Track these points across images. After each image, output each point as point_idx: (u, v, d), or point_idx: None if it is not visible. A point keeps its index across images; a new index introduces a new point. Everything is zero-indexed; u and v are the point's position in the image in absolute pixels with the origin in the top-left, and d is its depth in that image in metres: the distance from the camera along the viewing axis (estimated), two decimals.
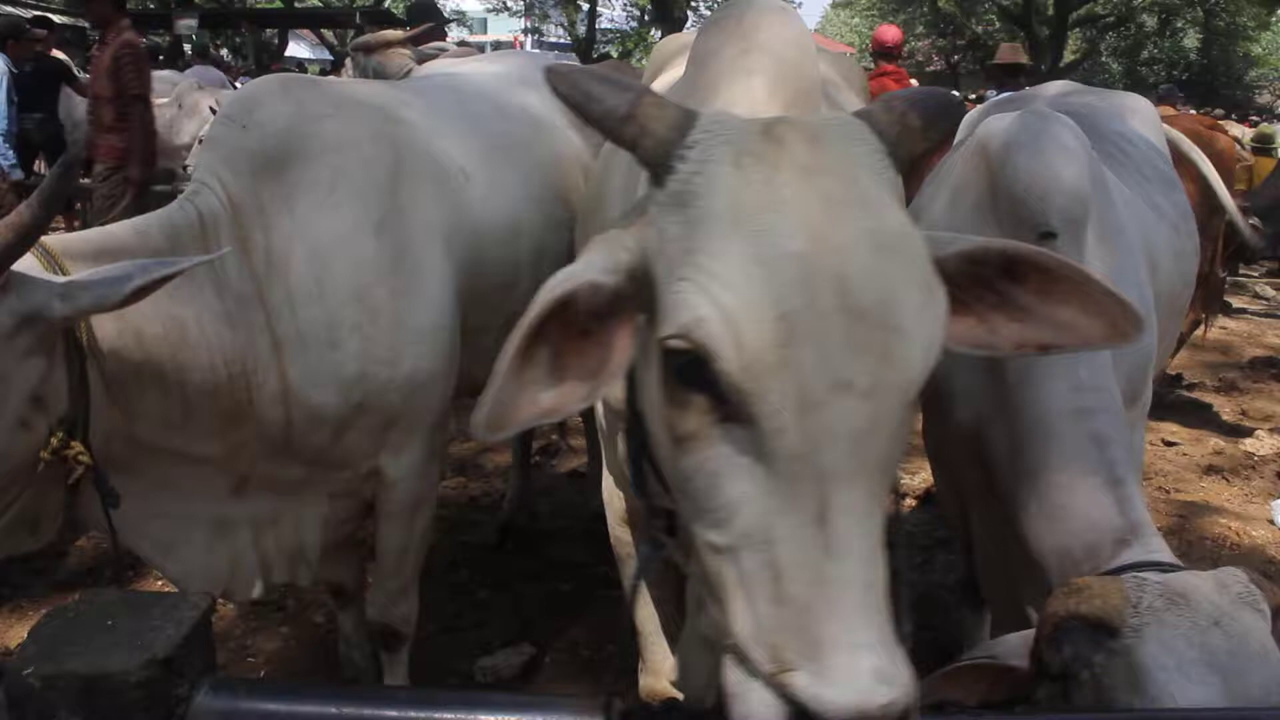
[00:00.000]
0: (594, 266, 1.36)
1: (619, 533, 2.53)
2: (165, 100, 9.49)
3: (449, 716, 1.18)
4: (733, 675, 1.27)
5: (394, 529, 2.88)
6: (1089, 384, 2.30)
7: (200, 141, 8.19)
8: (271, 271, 2.47)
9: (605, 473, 2.46)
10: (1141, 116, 3.71)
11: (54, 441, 2.05)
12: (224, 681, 1.22)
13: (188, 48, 17.54)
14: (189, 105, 8.95)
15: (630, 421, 1.54)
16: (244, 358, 2.41)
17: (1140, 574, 1.88)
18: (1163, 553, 2.01)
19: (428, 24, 7.11)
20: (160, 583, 4.00)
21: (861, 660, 1.19)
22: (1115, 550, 2.04)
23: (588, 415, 4.91)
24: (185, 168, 8.36)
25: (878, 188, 1.33)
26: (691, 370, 1.26)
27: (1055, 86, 4.12)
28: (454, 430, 3.12)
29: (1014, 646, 1.97)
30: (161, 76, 11.00)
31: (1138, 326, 1.45)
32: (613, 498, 2.46)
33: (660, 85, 2.80)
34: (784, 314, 1.20)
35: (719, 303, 1.21)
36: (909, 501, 5.29)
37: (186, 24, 18.83)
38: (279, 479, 2.64)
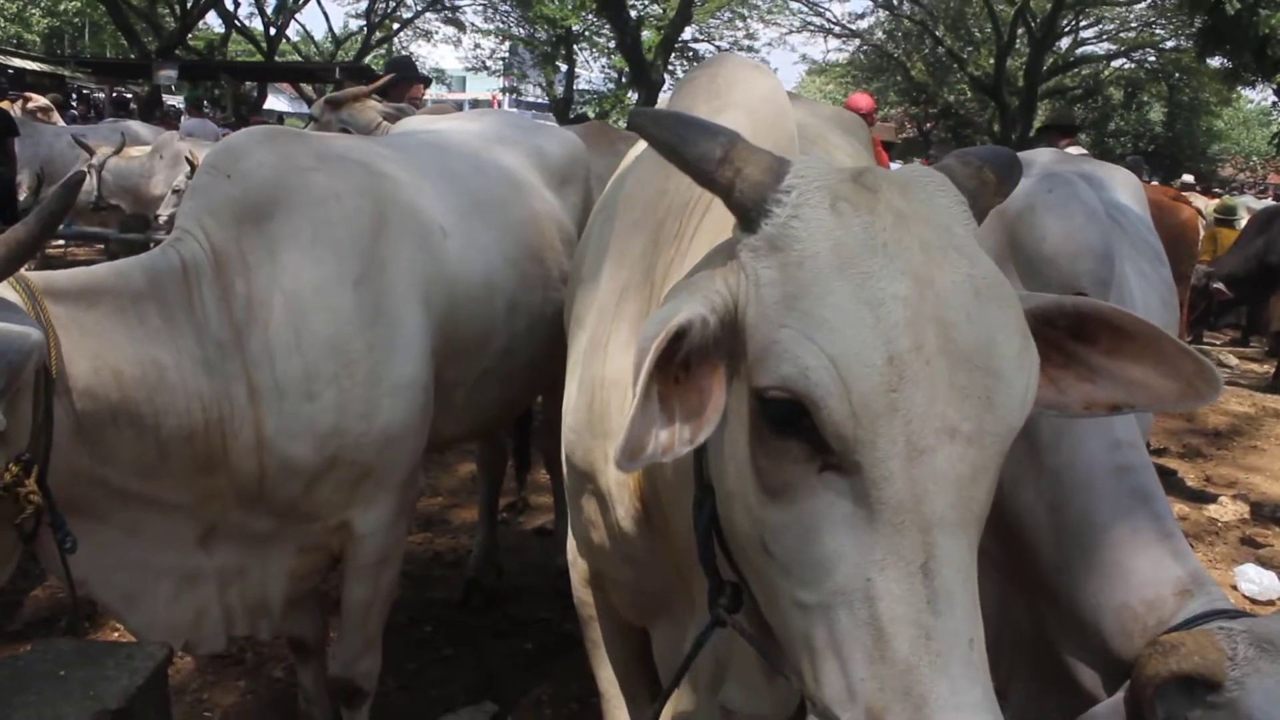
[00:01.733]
0: (701, 302, 1.33)
1: (582, 594, 2.50)
2: (145, 149, 9.52)
3: None
4: None
5: (360, 583, 2.87)
6: (1126, 440, 2.31)
7: (175, 192, 8.19)
8: (251, 321, 2.48)
9: (570, 534, 2.43)
10: (1125, 188, 3.79)
11: (6, 477, 2.03)
12: None
13: (174, 100, 17.59)
14: (169, 156, 8.95)
15: (700, 492, 1.51)
16: (221, 405, 2.42)
17: (1224, 624, 1.89)
18: (1224, 600, 2.02)
19: (391, 75, 7.16)
20: (117, 633, 3.94)
21: None
22: (1179, 602, 2.03)
23: (555, 472, 4.92)
24: (157, 217, 8.35)
25: (967, 236, 1.33)
26: (789, 419, 1.24)
27: (1047, 154, 4.21)
28: (422, 485, 3.11)
29: (1104, 718, 1.95)
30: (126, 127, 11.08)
31: (1215, 386, 1.43)
32: (577, 559, 2.43)
33: (637, 151, 2.84)
34: (892, 357, 1.18)
35: (826, 349, 1.19)
36: None
37: (166, 74, 18.91)
38: (248, 530, 2.63)
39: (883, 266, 1.23)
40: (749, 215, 1.33)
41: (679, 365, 1.32)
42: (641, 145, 2.83)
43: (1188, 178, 17.93)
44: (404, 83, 7.78)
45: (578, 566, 2.44)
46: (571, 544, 2.45)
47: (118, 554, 2.43)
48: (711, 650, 1.91)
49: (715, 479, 1.45)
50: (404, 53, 35.47)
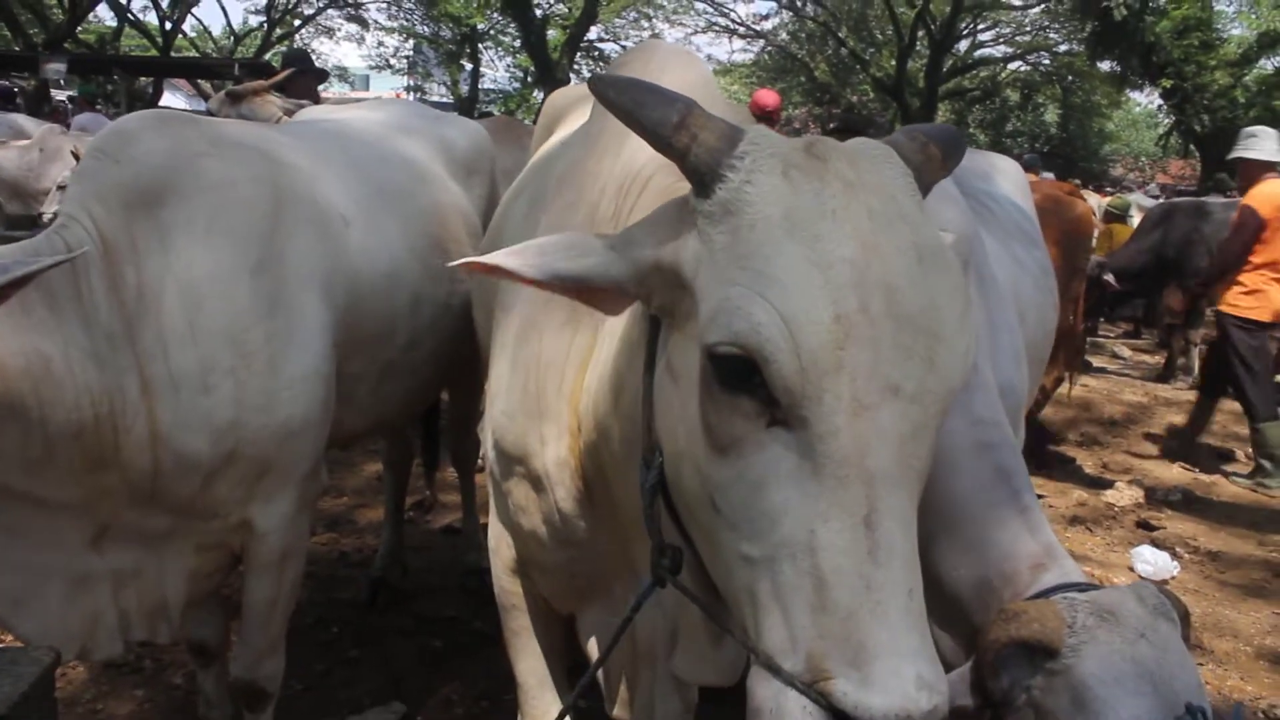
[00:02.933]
0: (606, 256, 1.43)
1: (506, 583, 2.47)
2: (25, 143, 9.16)
3: None
4: (764, 689, 1.27)
5: (262, 582, 2.78)
6: (987, 418, 2.36)
7: (60, 188, 7.90)
8: (143, 311, 2.38)
9: (493, 520, 2.42)
10: (1007, 176, 3.88)
11: None
12: None
13: (62, 95, 16.96)
14: (51, 149, 8.61)
15: (648, 454, 1.55)
16: (112, 398, 2.32)
17: (1068, 595, 1.94)
18: (1076, 574, 2.07)
19: (292, 69, 7.03)
20: (7, 637, 3.78)
21: (906, 667, 1.19)
22: (1033, 575, 2.08)
23: (463, 470, 4.87)
24: (42, 216, 8.04)
25: (913, 206, 1.38)
26: (739, 375, 1.27)
27: None
28: (326, 483, 3.04)
29: (954, 685, 2.00)
30: (9, 120, 10.67)
31: None
32: (500, 545, 2.40)
33: (562, 136, 2.82)
34: (839, 316, 1.23)
35: (777, 306, 1.24)
36: None
37: (54, 68, 18.23)
38: (143, 529, 2.53)
39: (832, 230, 1.28)
40: (703, 180, 1.37)
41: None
42: (568, 130, 2.82)
43: (1076, 181, 18.48)
44: (303, 76, 7.63)
45: (501, 554, 2.41)
46: (494, 531, 2.43)
47: (2, 556, 2.33)
48: (661, 619, 1.99)
49: (664, 440, 1.49)
50: (307, 49, 34.86)
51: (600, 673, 2.23)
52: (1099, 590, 1.97)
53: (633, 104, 1.42)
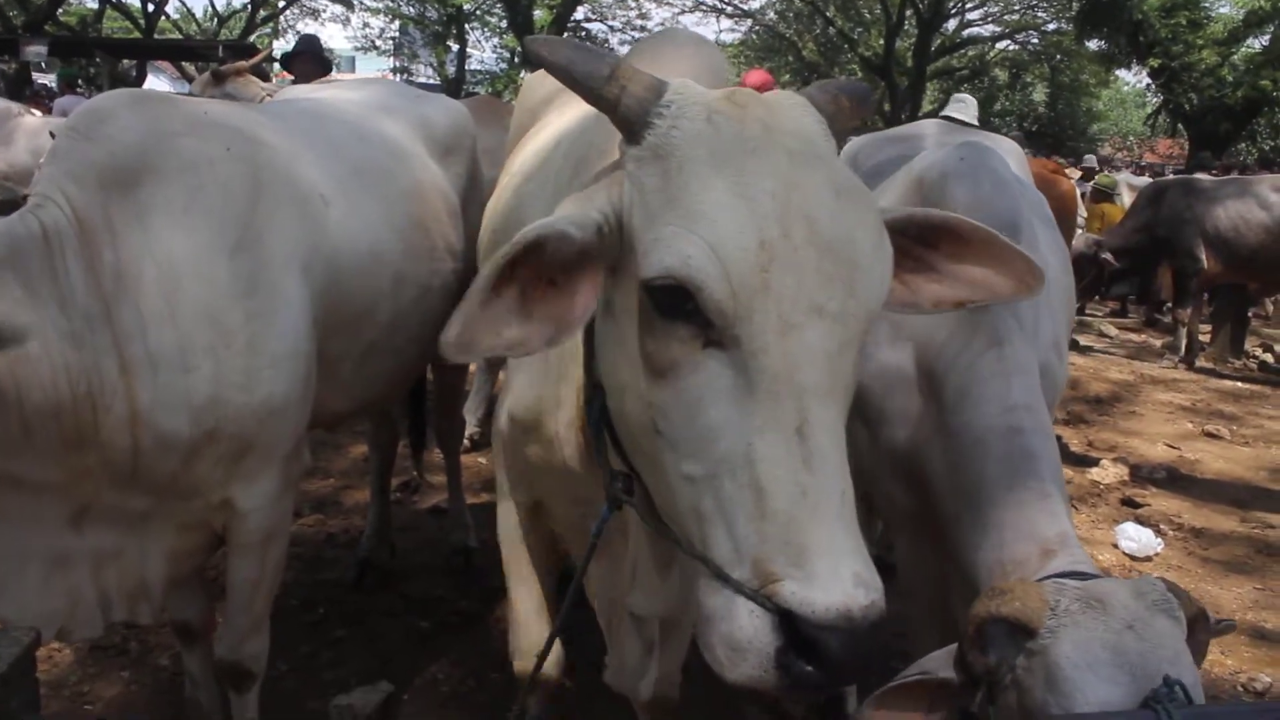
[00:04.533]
0: (566, 219, 1.48)
1: (512, 533, 2.63)
2: None
3: None
4: (714, 599, 1.34)
5: (245, 562, 2.78)
6: (1021, 403, 2.38)
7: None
8: (121, 291, 2.36)
9: (505, 473, 2.56)
10: (1012, 157, 3.87)
11: None
12: None
13: (45, 79, 16.81)
14: (4, 132, 8.43)
15: (590, 391, 1.66)
16: (90, 378, 2.30)
17: (1060, 579, 1.96)
18: (1086, 564, 2.09)
19: (264, 53, 7.00)
20: None
21: (844, 565, 1.28)
22: (1042, 561, 2.11)
23: (449, 450, 4.87)
24: (27, 198, 7.95)
25: (828, 149, 1.51)
26: (674, 304, 1.37)
27: (932, 125, 4.28)
28: (311, 464, 3.03)
29: (941, 660, 2.02)
30: None
31: (1040, 279, 1.63)
32: (512, 494, 2.55)
33: (563, 118, 2.83)
34: (764, 242, 1.33)
35: (705, 237, 1.34)
36: None
37: (35, 50, 18.09)
38: (124, 509, 2.52)
39: (754, 166, 1.39)
40: (633, 128, 1.49)
41: (556, 270, 1.48)
42: (564, 113, 2.83)
43: (1090, 158, 18.43)
44: (302, 60, 7.57)
45: (513, 502, 2.55)
46: (504, 482, 2.58)
47: None
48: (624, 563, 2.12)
49: (607, 376, 1.60)
50: (291, 31, 34.68)
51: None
52: (1098, 579, 1.98)
53: (566, 61, 1.52)
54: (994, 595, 1.94)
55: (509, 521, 2.62)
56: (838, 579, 1.26)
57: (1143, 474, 6.74)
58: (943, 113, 8.13)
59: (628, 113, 1.49)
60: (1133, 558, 5.30)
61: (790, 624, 1.27)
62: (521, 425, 2.30)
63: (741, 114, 1.46)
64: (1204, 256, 10.10)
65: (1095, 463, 6.81)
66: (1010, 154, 3.89)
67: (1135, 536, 5.46)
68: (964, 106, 8.32)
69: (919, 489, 2.62)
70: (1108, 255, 10.09)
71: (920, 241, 1.64)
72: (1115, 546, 5.40)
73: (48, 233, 2.30)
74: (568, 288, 1.49)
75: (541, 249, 1.45)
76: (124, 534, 2.57)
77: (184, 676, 3.27)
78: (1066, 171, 12.95)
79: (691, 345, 1.38)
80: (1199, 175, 12.97)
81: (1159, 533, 5.64)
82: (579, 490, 2.19)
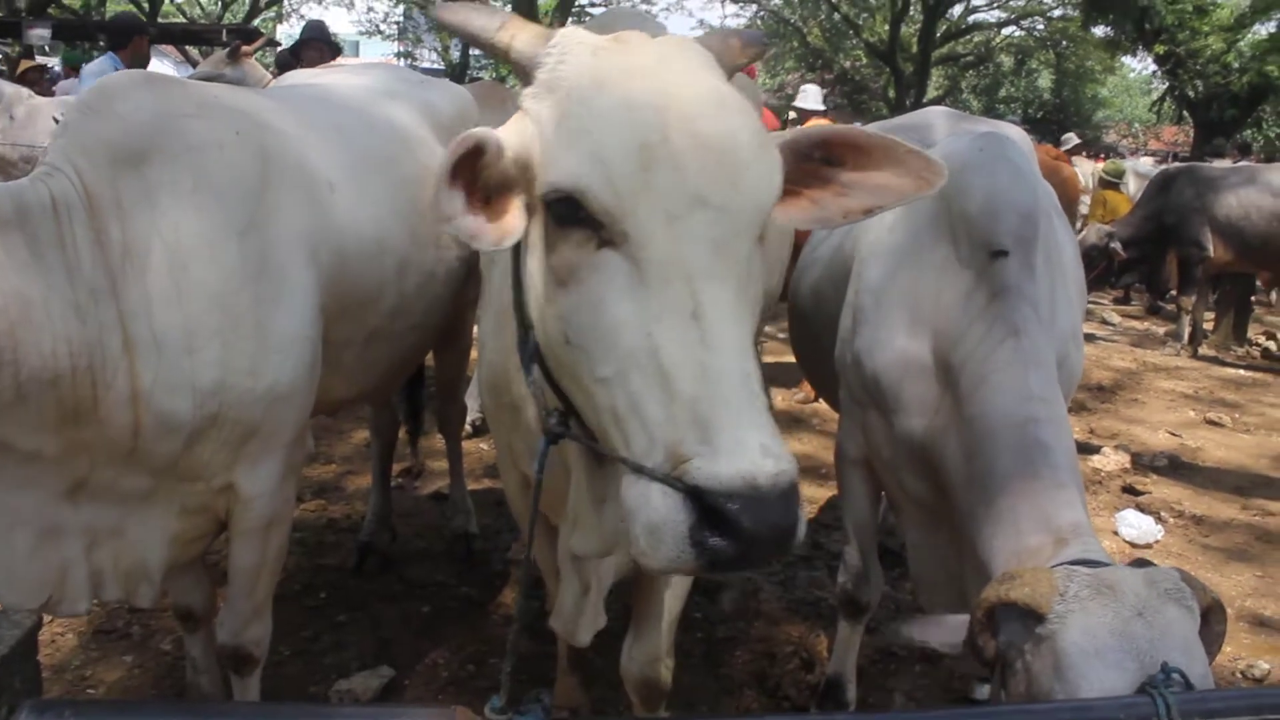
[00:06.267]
0: (492, 134, 1.59)
1: (519, 504, 2.70)
2: None
3: None
4: (631, 492, 1.41)
5: (247, 547, 2.78)
6: (1037, 394, 2.40)
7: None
8: (128, 268, 2.36)
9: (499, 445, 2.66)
10: (1022, 145, 3.87)
11: None
12: (48, 703, 1.17)
13: (49, 61, 16.74)
14: (21, 116, 8.40)
15: (522, 331, 1.75)
16: (92, 351, 2.29)
17: (1072, 566, 1.97)
18: (1099, 552, 2.10)
19: (265, 38, 7.08)
20: None
21: (749, 437, 1.33)
22: (1055, 550, 2.12)
23: (449, 435, 4.88)
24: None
25: (712, 73, 1.61)
26: (569, 213, 1.47)
27: (940, 113, 4.27)
28: (313, 450, 3.04)
29: (954, 626, 2.07)
30: None
31: (939, 173, 1.72)
32: (509, 470, 2.64)
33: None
34: (644, 144, 1.43)
35: (587, 147, 1.45)
36: None
37: (39, 34, 18.00)
38: (123, 487, 2.51)
39: (637, 85, 1.50)
40: (526, 69, 1.62)
41: (491, 189, 1.60)
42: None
43: (1070, 137, 18.21)
44: (313, 47, 7.58)
45: (511, 475, 2.64)
46: (502, 459, 2.68)
47: None
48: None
49: (531, 309, 1.68)
50: (295, 15, 34.56)
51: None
52: (1110, 567, 1.99)
53: (463, 18, 1.69)
54: (1004, 580, 1.96)
55: (510, 493, 2.72)
56: (742, 448, 1.32)
57: (1144, 461, 6.74)
58: (793, 104, 9.34)
59: (519, 56, 1.62)
60: (1133, 545, 5.31)
61: (700, 500, 1.31)
62: (491, 392, 2.42)
63: (626, 48, 1.60)
64: (1210, 244, 10.06)
65: (1097, 450, 6.80)
66: (1018, 142, 3.89)
67: (1135, 524, 5.47)
68: (806, 96, 9.51)
69: (934, 478, 2.63)
70: (1117, 246, 10.08)
71: (827, 162, 1.73)
72: (1116, 534, 5.41)
73: (56, 202, 2.30)
74: (499, 207, 1.61)
75: (482, 153, 1.56)
76: (123, 513, 2.56)
77: (186, 661, 3.29)
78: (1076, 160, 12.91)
79: (587, 248, 1.47)
80: (1210, 162, 12.94)
81: (1159, 520, 5.65)
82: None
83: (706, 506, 1.31)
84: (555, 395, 1.71)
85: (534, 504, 1.85)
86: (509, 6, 31.24)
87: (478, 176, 1.59)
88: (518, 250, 1.71)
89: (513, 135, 1.60)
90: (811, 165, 1.72)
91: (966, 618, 2.04)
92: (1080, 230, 10.42)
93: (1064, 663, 1.82)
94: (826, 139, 1.72)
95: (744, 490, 1.30)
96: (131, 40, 8.10)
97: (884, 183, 1.72)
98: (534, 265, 1.63)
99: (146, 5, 31.83)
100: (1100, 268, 9.96)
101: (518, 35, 1.64)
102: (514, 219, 1.60)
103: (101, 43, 21.48)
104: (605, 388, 1.46)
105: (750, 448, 1.32)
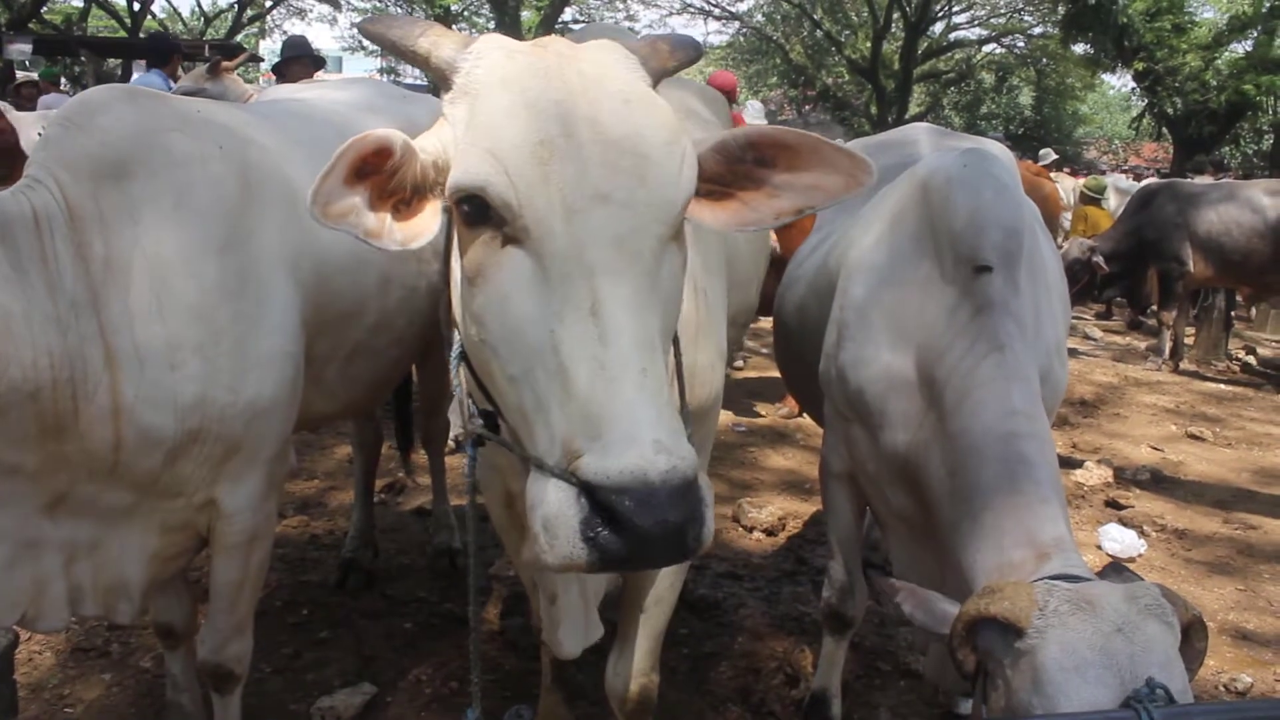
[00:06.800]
0: (400, 135, 1.60)
1: (500, 521, 2.70)
2: None
3: None
4: (533, 488, 1.42)
5: (229, 563, 2.76)
6: (1020, 409, 2.40)
7: None
8: (110, 282, 2.36)
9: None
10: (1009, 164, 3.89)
11: None
12: None
13: (26, 74, 16.67)
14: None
15: (446, 330, 1.78)
16: (73, 364, 2.28)
17: (1053, 581, 1.96)
18: (1081, 568, 2.10)
19: (248, 53, 7.14)
20: None
21: (641, 432, 1.33)
22: (1037, 565, 2.12)
23: (433, 451, 4.86)
24: None
25: (630, 72, 1.62)
26: (476, 213, 1.49)
27: (924, 129, 4.29)
28: (296, 466, 3.02)
29: (940, 617, 2.07)
30: None
31: (868, 171, 1.69)
32: (489, 481, 2.62)
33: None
34: (543, 140, 1.45)
35: (486, 144, 1.47)
36: (756, 535, 5.35)
37: (19, 49, 17.93)
38: (103, 503, 2.50)
39: (542, 84, 1.51)
40: (445, 76, 1.63)
41: (409, 193, 1.62)
42: None
43: (1047, 152, 18.33)
44: (299, 63, 7.58)
45: (494, 489, 2.62)
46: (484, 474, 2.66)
47: None
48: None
49: (455, 310, 1.69)
50: (277, 31, 34.53)
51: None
52: (1089, 582, 1.99)
53: (383, 29, 1.70)
54: (984, 594, 1.96)
55: (492, 507, 2.70)
56: (633, 444, 1.32)
57: (1127, 476, 6.76)
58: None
59: (439, 62, 1.62)
60: (1116, 559, 5.32)
61: (593, 495, 1.32)
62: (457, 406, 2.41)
63: (542, 51, 1.60)
64: (1191, 260, 10.13)
65: (1079, 465, 6.82)
66: (1002, 158, 3.91)
67: (1118, 538, 5.48)
68: (748, 110, 9.87)
69: (918, 493, 2.63)
70: (1099, 259, 10.14)
71: (759, 164, 1.72)
72: (1099, 548, 5.41)
73: (38, 214, 2.30)
74: (414, 210, 1.62)
75: (389, 156, 1.57)
76: (103, 529, 2.54)
77: (166, 679, 3.25)
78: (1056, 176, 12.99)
79: (492, 245, 1.48)
80: (1190, 179, 13.02)
81: (1142, 534, 5.66)
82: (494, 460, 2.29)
83: (599, 502, 1.32)
84: (484, 397, 1.71)
85: (470, 507, 1.89)
86: (493, 26, 31.35)
87: (388, 182, 1.60)
88: (447, 254, 1.73)
89: (433, 139, 1.62)
90: (744, 167, 1.73)
91: (955, 610, 2.04)
92: (1062, 246, 10.44)
93: (1043, 678, 1.81)
94: (753, 140, 1.72)
95: (633, 485, 1.30)
96: (171, 58, 8.43)
97: (814, 183, 1.71)
98: (455, 266, 1.66)
99: (128, 20, 31.75)
100: (1083, 282, 10.01)
101: (438, 43, 1.65)
102: (426, 220, 1.62)
103: (83, 58, 21.47)
104: (514, 386, 1.48)
105: (642, 443, 1.32)
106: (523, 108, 1.48)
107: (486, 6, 32.11)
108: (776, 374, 4.73)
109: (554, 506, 1.35)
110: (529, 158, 1.44)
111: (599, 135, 1.46)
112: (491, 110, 1.50)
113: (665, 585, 2.70)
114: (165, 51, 8.58)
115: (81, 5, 31.62)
